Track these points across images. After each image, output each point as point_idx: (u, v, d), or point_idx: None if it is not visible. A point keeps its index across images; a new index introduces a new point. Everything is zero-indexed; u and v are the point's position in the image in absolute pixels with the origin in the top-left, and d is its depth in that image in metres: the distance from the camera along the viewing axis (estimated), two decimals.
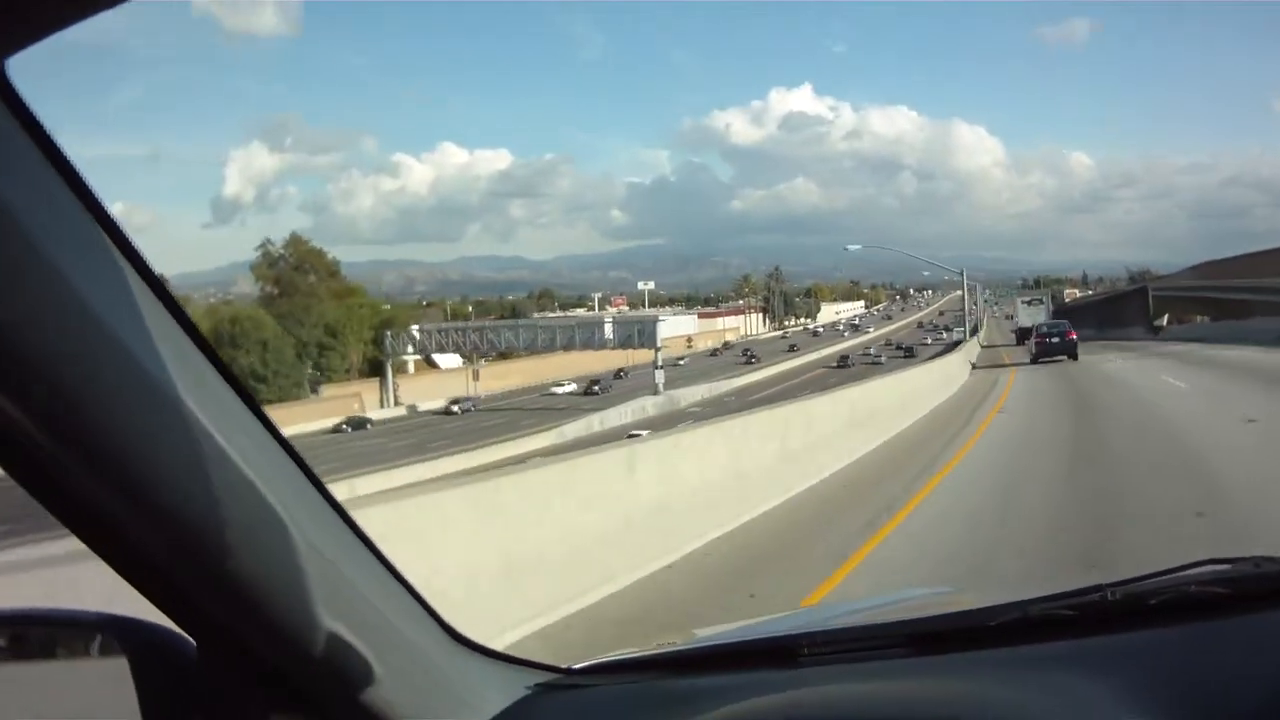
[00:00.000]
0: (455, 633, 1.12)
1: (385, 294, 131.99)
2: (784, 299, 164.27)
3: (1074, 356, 29.32)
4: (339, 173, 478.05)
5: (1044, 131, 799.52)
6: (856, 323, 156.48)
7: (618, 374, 76.38)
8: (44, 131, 0.68)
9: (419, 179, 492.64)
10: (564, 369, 75.98)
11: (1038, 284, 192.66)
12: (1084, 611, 1.19)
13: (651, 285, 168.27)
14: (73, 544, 0.84)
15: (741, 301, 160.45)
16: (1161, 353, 30.16)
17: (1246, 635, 1.10)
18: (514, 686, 1.17)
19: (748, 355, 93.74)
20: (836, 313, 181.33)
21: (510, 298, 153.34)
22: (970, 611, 1.32)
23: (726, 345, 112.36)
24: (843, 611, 1.76)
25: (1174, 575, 1.23)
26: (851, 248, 67.67)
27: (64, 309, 0.68)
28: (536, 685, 1.20)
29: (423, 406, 64.80)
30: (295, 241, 78.43)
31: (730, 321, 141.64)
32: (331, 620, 0.87)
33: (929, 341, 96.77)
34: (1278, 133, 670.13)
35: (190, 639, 0.92)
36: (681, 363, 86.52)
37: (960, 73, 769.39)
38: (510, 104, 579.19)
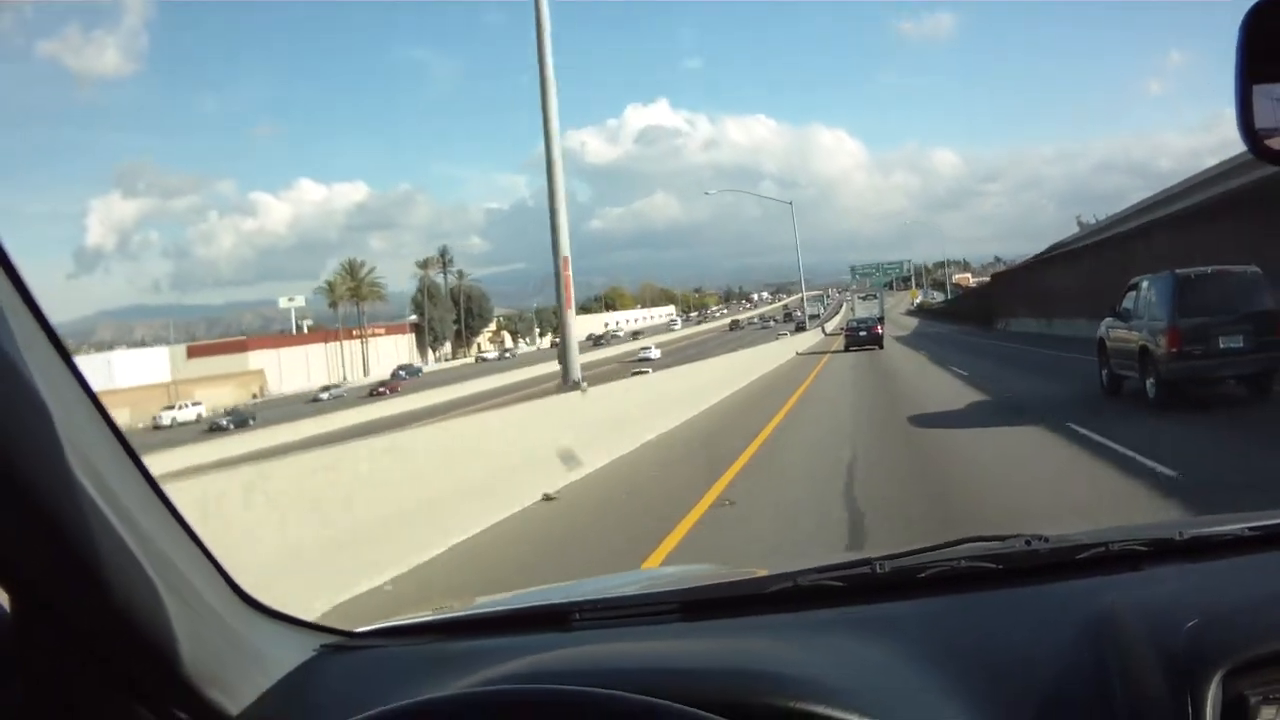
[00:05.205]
0: (246, 595, 1.14)
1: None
2: (466, 308, 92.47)
3: (880, 346, 36.10)
4: (197, 216, 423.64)
5: (906, 131, 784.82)
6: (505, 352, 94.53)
7: None
8: None
9: (278, 217, 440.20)
10: None
11: (915, 273, 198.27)
12: (852, 583, 1.26)
13: (300, 301, 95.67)
14: None
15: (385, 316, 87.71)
16: None
17: (1015, 606, 1.18)
18: (302, 648, 1.20)
19: None
20: (609, 324, 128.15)
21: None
22: (740, 581, 1.39)
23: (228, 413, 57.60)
24: (617, 583, 1.82)
25: (943, 550, 1.32)
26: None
27: None
28: (323, 647, 1.23)
29: None
30: None
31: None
32: (127, 575, 0.87)
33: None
34: (1150, 117, 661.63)
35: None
36: None
37: (818, 76, 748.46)
38: (365, 137, 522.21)
